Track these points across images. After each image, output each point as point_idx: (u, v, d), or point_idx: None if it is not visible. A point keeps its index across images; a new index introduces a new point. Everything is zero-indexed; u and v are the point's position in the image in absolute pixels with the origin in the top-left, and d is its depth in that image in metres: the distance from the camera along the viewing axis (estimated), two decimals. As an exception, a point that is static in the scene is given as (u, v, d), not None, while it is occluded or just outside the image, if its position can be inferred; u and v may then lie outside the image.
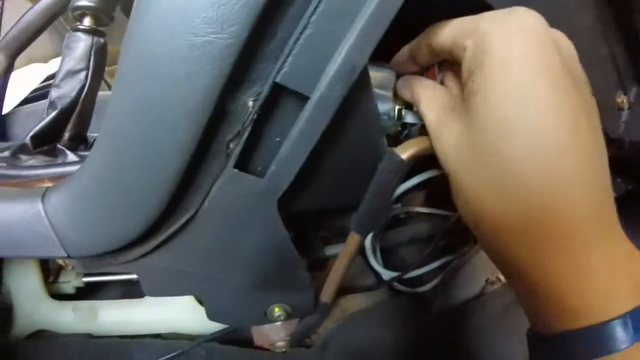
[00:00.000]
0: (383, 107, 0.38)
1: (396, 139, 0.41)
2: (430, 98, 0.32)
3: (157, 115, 0.28)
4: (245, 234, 0.34)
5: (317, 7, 0.27)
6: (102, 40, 0.47)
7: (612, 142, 0.52)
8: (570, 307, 0.25)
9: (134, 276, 0.49)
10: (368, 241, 0.50)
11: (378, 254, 0.52)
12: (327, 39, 0.28)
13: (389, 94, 0.38)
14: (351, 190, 0.35)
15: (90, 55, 0.46)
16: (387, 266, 0.53)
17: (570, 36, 0.31)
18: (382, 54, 0.35)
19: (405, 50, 0.36)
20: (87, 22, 0.46)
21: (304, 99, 0.29)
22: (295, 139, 0.30)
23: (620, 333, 0.24)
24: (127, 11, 0.58)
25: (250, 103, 0.29)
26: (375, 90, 0.37)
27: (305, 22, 0.27)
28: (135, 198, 0.31)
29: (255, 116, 0.29)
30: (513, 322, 0.59)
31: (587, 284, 0.25)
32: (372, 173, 0.34)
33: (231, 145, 0.30)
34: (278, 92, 0.29)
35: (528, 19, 0.25)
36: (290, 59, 0.28)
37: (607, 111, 0.48)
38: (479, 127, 0.26)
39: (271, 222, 0.33)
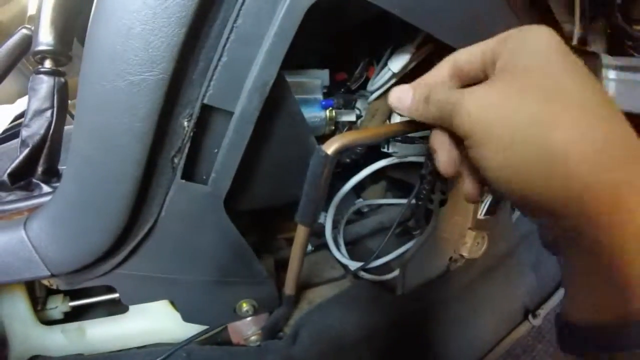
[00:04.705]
0: (313, 110, 0.48)
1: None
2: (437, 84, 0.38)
3: (110, 142, 0.38)
4: (201, 235, 0.44)
5: (228, 37, 0.37)
6: (62, 79, 0.58)
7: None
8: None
9: (116, 295, 0.60)
10: (329, 235, 0.60)
11: (342, 246, 0.62)
12: (240, 63, 0.38)
13: (319, 97, 0.49)
14: (289, 186, 0.45)
15: (53, 94, 0.57)
16: (355, 258, 0.62)
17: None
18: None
19: (445, 69, 0.39)
20: (47, 64, 0.57)
21: (229, 114, 0.39)
22: (227, 148, 0.40)
23: None
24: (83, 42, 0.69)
25: (186, 123, 0.39)
26: (304, 96, 0.48)
27: (220, 51, 0.38)
28: (101, 214, 0.42)
29: (191, 134, 0.39)
30: (478, 297, 0.68)
31: None
32: (306, 169, 0.44)
33: (176, 160, 0.40)
34: (208, 111, 0.40)
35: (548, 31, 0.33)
36: (212, 82, 0.38)
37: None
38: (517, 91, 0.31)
39: (221, 221, 0.43)
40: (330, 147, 0.43)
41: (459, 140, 0.37)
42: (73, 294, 0.64)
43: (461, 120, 0.33)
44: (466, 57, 0.37)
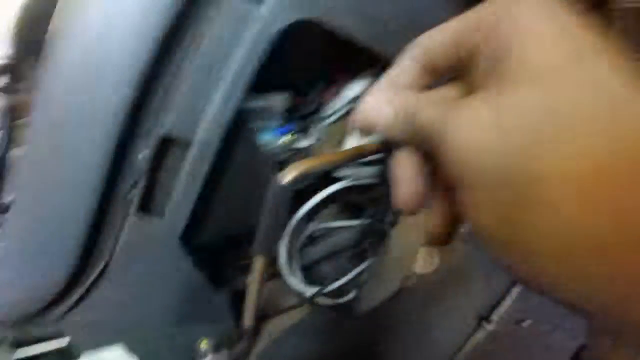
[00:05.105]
0: (271, 136, 0.48)
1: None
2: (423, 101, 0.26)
3: (61, 174, 0.37)
4: (157, 272, 0.43)
5: (191, 65, 0.37)
6: (15, 98, 0.54)
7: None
8: None
9: (65, 343, 0.56)
10: (284, 263, 0.60)
11: (298, 272, 0.62)
12: (201, 92, 0.38)
13: (277, 122, 0.49)
14: (247, 217, 0.45)
15: (5, 114, 0.53)
16: (312, 282, 0.62)
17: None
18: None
19: (414, 68, 0.28)
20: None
21: (188, 145, 0.39)
22: (185, 180, 0.39)
23: None
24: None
25: (141, 156, 0.38)
26: (262, 122, 0.48)
27: (182, 79, 0.37)
28: (51, 253, 0.39)
29: (147, 166, 0.39)
30: (432, 313, 0.70)
31: None
32: (263, 198, 0.44)
33: (131, 193, 0.39)
34: (166, 142, 0.39)
35: None
36: (172, 112, 0.38)
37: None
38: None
39: (177, 256, 0.42)
40: (287, 177, 0.43)
41: (432, 167, 0.28)
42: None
43: (447, 152, 0.22)
44: (438, 49, 0.26)
